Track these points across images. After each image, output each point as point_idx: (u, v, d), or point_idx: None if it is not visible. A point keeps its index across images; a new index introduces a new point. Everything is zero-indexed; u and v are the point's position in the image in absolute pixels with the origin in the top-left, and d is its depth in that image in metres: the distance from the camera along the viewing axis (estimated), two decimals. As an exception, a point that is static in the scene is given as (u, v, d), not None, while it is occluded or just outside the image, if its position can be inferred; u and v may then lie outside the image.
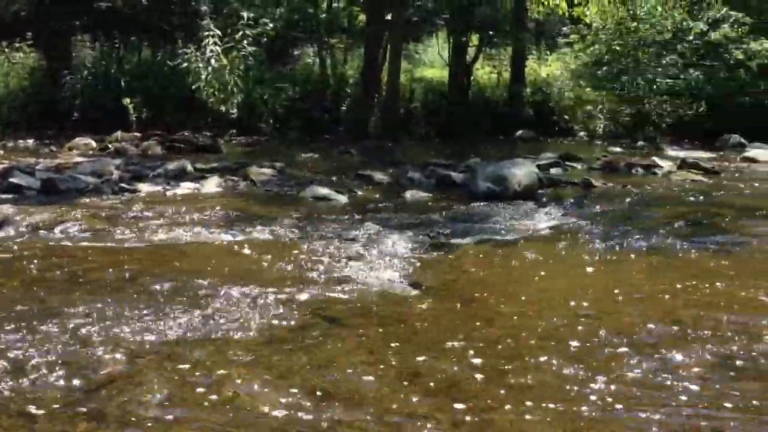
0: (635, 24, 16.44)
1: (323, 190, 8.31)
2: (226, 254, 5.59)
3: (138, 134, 13.17)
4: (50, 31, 16.26)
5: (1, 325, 3.80)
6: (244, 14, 14.98)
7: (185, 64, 14.70)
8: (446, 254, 5.73)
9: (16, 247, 5.56)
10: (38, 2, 16.73)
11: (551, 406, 3.07)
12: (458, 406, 3.06)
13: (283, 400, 3.09)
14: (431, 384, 3.27)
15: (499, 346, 3.72)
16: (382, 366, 3.47)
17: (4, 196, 7.77)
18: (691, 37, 16.53)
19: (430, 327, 4.04)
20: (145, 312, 4.08)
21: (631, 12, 16.50)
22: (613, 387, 3.25)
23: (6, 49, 15.73)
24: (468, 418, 2.96)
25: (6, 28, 17.25)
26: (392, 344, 3.76)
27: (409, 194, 8.45)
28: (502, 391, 3.21)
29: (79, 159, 10.64)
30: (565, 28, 19.23)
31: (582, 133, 16.88)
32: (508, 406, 3.06)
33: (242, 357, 3.55)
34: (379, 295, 4.59)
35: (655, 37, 16.40)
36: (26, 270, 4.91)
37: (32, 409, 2.95)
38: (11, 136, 13.15)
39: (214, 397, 3.11)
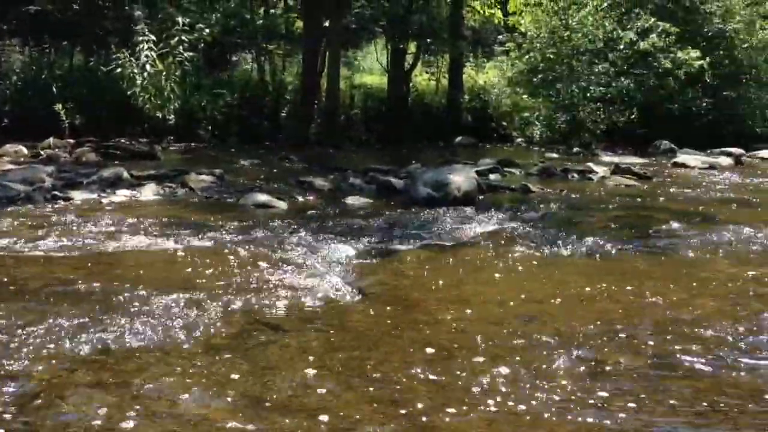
0: (568, 33, 16.87)
1: (263, 197, 8.25)
2: (164, 262, 5.49)
3: (71, 141, 12.83)
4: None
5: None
6: (180, 19, 14.76)
7: (119, 70, 14.38)
8: (388, 259, 5.76)
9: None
10: (-37, 5, 16.13)
11: (491, 408, 3.11)
12: (402, 410, 3.07)
13: (223, 409, 3.06)
14: (375, 390, 3.28)
15: (441, 350, 3.75)
16: (324, 372, 3.46)
17: (-74, 205, 7.47)
18: (621, 46, 17.06)
19: (373, 332, 4.04)
20: (79, 321, 3.97)
21: (564, 21, 16.93)
22: (550, 388, 3.33)
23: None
24: (411, 424, 2.98)
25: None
26: (335, 350, 3.75)
27: (350, 200, 8.46)
28: (446, 395, 3.24)
29: (10, 166, 10.28)
30: (501, 36, 19.59)
31: (519, 140, 17.24)
32: (450, 410, 3.09)
33: (181, 366, 3.48)
34: (321, 300, 4.57)
35: (587, 46, 16.85)
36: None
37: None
38: (-67, 144, 12.60)
39: (153, 407, 3.04)
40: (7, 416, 2.91)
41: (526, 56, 17.69)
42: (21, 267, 5.07)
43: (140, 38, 14.41)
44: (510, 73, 18.52)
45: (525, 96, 17.62)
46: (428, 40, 17.78)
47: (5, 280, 4.75)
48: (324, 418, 2.99)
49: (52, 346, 3.63)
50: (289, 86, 17.18)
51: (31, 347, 3.59)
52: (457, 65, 18.48)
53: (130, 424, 2.90)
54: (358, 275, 5.23)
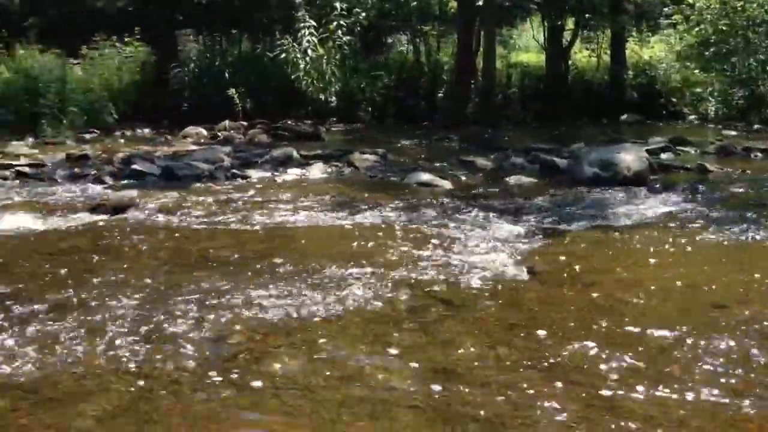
0: (742, 3, 15.62)
1: (426, 176, 8.38)
2: (338, 237, 5.75)
3: (244, 123, 13.63)
4: (155, 26, 17.00)
5: (136, 300, 4.06)
6: (338, 5, 15.18)
7: (283, 55, 15.05)
8: (556, 239, 5.69)
9: (144, 229, 5.90)
10: (144, -1, 17.51)
11: (682, 396, 3.03)
12: (585, 392, 3.05)
13: (407, 376, 3.20)
14: (555, 370, 3.28)
15: (622, 333, 3.68)
16: (501, 349, 3.51)
17: (128, 181, 8.26)
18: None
19: (547, 312, 4.04)
20: (267, 290, 4.28)
21: (736, -9, 15.70)
22: (747, 380, 3.17)
23: (117, 44, 16.53)
24: (595, 404, 2.96)
25: (113, 23, 18.15)
26: (511, 328, 3.79)
27: (512, 179, 8.39)
28: (634, 378, 3.17)
29: (193, 147, 11.12)
30: (666, 9, 18.47)
31: (692, 117, 16.22)
32: (638, 394, 3.04)
33: (363, 335, 3.67)
34: (492, 279, 4.62)
35: (765, 17, 15.52)
36: (156, 250, 5.21)
37: (175, 374, 3.16)
38: (128, 126, 13.86)
39: (339, 372, 3.24)
40: (213, 373, 3.20)
41: (696, 29, 16.57)
42: (214, 239, 5.51)
43: (302, 24, 14.97)
44: (678, 47, 17.45)
45: (696, 71, 16.54)
46: (587, 15, 17.11)
47: (200, 251, 5.18)
48: (503, 392, 3.05)
49: (246, 312, 3.93)
50: (444, 66, 17.21)
51: (229, 314, 3.91)
52: (619, 40, 17.65)
53: (317, 385, 3.10)
54: (526, 254, 5.21)
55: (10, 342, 3.42)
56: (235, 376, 3.18)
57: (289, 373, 3.21)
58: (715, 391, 3.04)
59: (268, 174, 8.91)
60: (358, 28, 16.19)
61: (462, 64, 15.89)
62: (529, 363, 3.35)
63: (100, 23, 17.26)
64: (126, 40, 16.46)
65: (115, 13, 18.89)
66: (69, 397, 2.93)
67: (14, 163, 8.99)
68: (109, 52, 15.82)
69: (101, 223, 6.14)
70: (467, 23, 16.07)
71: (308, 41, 15.02)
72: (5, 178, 8.26)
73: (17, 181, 8.24)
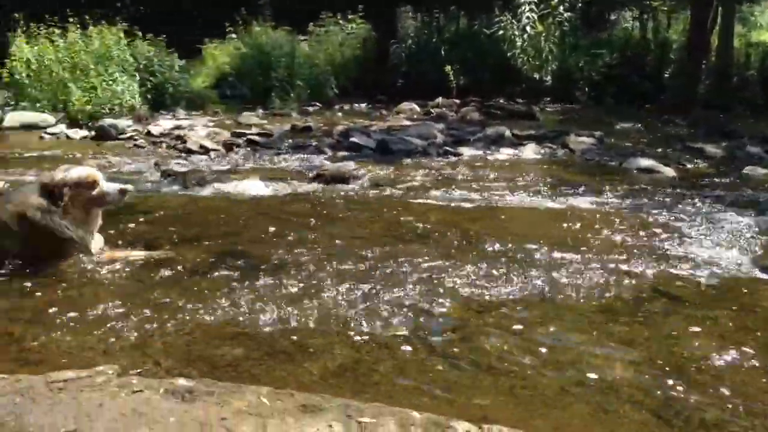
0: None
1: (647, 162, 7.91)
2: (552, 220, 5.60)
3: (457, 101, 13.72)
4: (377, 4, 17.56)
5: (352, 266, 4.24)
6: (562, -22, 14.69)
7: (501, 32, 14.87)
8: (803, 239, 5.10)
9: (359, 199, 6.16)
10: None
11: None
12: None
13: (627, 369, 3.04)
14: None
15: None
16: (732, 351, 3.22)
17: (345, 153, 8.67)
18: None
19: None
20: (479, 268, 4.27)
21: None
22: None
23: (340, 21, 17.32)
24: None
25: (339, 1, 19.00)
26: (742, 330, 3.47)
27: (747, 170, 7.67)
28: None
29: (406, 122, 11.40)
30: None
31: None
32: None
33: (580, 322, 3.54)
34: (722, 276, 4.26)
35: None
36: (370, 220, 5.41)
37: (391, 342, 3.25)
38: (346, 101, 14.54)
39: (555, 357, 3.15)
40: (426, 346, 3.25)
41: None
42: (425, 214, 5.61)
43: (522, 0, 14.67)
44: None
45: None
46: None
47: (417, 225, 5.28)
48: (733, 397, 2.82)
49: (459, 288, 3.96)
50: (673, 44, 16.06)
51: (441, 288, 3.96)
52: None
53: (532, 368, 3.05)
54: (764, 252, 4.72)
55: (244, 296, 3.71)
56: (448, 350, 3.20)
57: (503, 354, 3.18)
58: None
59: (480, 152, 8.90)
60: (580, 4, 15.58)
61: (694, 41, 14.72)
62: (765, 370, 3.05)
63: (327, 1, 18.20)
64: (349, 17, 17.21)
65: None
66: (297, 352, 3.13)
67: (246, 132, 9.79)
68: (333, 29, 16.63)
69: (320, 192, 6.50)
70: (704, -1, 14.84)
71: (527, 17, 14.72)
72: (238, 146, 9.02)
73: (248, 149, 8.97)
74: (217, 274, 4.07)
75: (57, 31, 11.81)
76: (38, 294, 3.69)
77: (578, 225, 5.36)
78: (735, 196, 6.46)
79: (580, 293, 3.92)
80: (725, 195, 6.48)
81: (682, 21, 17.25)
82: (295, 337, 3.26)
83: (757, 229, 5.29)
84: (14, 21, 12.35)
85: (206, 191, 6.45)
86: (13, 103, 11.70)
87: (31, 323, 3.33)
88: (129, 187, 4.56)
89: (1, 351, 3.03)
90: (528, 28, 14.78)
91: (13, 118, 10.65)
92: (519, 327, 3.46)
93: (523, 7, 14.76)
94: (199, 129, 9.98)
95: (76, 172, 4.23)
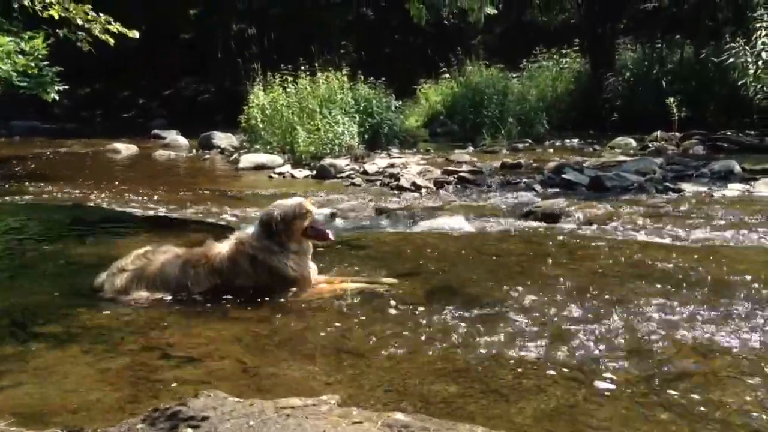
0: None
1: None
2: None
3: (678, 134, 12.96)
4: (595, 36, 17.18)
5: (569, 305, 4.14)
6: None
7: (731, 60, 13.84)
8: None
9: (573, 237, 6.01)
10: (587, 9, 17.79)
11: None
12: None
13: None
14: None
15: None
16: None
17: (557, 190, 8.53)
18: None
19: None
20: (709, 310, 3.99)
21: None
22: None
23: (555, 56, 17.16)
24: None
25: (555, 35, 18.89)
26: None
27: None
28: None
29: (622, 158, 10.97)
30: None
31: None
32: None
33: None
34: None
35: None
36: (587, 258, 5.25)
37: (609, 385, 3.13)
38: (558, 137, 14.31)
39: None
40: (654, 391, 3.08)
41: None
42: (645, 253, 5.33)
43: (757, 25, 13.55)
44: None
45: None
46: None
47: (635, 263, 5.06)
48: None
49: (689, 332, 3.71)
50: None
51: (669, 331, 3.74)
52: None
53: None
54: None
55: (459, 333, 3.77)
56: (673, 398, 3.02)
57: (737, 408, 2.94)
58: None
59: (705, 188, 8.32)
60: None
61: None
62: None
63: (541, 37, 18.22)
64: (564, 51, 17.03)
65: (557, 26, 19.74)
66: (511, 391, 3.11)
67: (457, 169, 9.99)
68: (545, 64, 16.54)
69: (532, 230, 6.45)
70: None
71: (763, 43, 13.57)
72: (448, 183, 9.22)
73: (459, 186, 9.13)
74: (432, 309, 4.18)
75: (290, 78, 12.95)
76: (265, 325, 4.00)
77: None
78: None
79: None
80: None
81: None
82: (509, 376, 3.26)
83: None
84: (253, 71, 13.76)
85: (418, 228, 6.66)
86: (247, 145, 13.00)
87: (262, 352, 3.62)
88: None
89: (236, 377, 3.32)
90: (763, 54, 13.60)
91: (248, 159, 11.80)
92: (757, 379, 3.17)
93: (759, 32, 13.64)
94: (412, 167, 10.36)
95: (289, 204, 4.55)
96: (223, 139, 14.72)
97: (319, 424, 2.65)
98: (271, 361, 3.51)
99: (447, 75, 17.13)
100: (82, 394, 3.15)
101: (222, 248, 4.56)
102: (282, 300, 4.39)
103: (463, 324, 3.90)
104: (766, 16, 13.57)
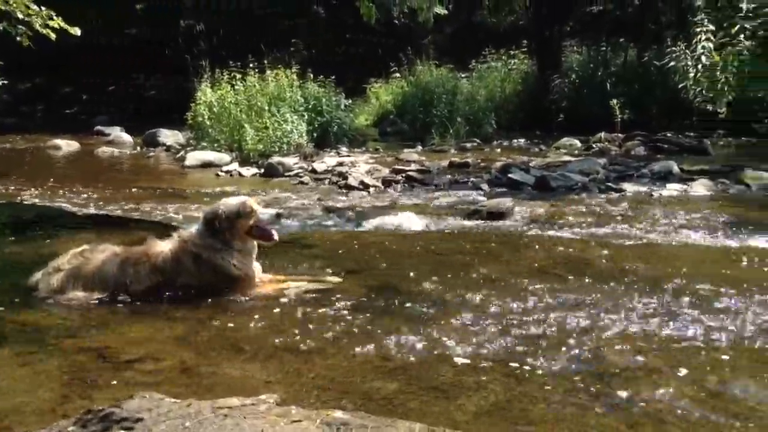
0: None
1: (838, 199, 7.21)
2: (723, 260, 5.26)
3: (620, 135, 13.26)
4: (542, 38, 17.45)
5: (510, 302, 4.20)
6: (744, 5, 13.77)
7: (672, 63, 14.23)
8: None
9: (517, 236, 6.10)
10: (535, 12, 18.08)
11: None
12: None
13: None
14: None
15: None
16: None
17: (503, 189, 8.64)
18: None
19: None
20: (643, 308, 4.09)
21: None
22: None
23: (503, 57, 17.38)
24: None
25: (504, 37, 19.14)
26: None
27: None
28: None
29: (567, 158, 11.18)
30: None
31: None
32: None
33: (754, 371, 3.29)
34: None
35: None
36: (529, 257, 5.33)
37: (547, 381, 3.18)
38: (505, 137, 14.50)
39: (728, 408, 2.95)
40: (585, 387, 3.13)
41: None
42: (585, 251, 5.45)
43: (698, 29, 13.95)
44: None
45: None
46: None
47: (575, 261, 5.16)
48: None
49: (621, 329, 3.80)
50: None
51: (603, 328, 3.82)
52: None
53: (705, 413, 2.87)
54: None
55: (402, 331, 3.78)
56: (609, 393, 3.09)
57: (670, 401, 3.01)
58: None
59: (645, 188, 8.54)
60: (763, 32, 14.54)
61: None
62: None
63: (490, 38, 18.43)
64: (512, 52, 17.26)
65: (506, 27, 20.00)
66: (451, 388, 3.13)
67: (405, 168, 10.03)
68: (494, 65, 16.75)
69: (478, 228, 6.52)
70: None
71: (703, 47, 13.96)
72: (396, 182, 9.25)
73: (406, 185, 9.17)
74: (373, 307, 4.18)
75: (238, 76, 12.82)
76: (207, 324, 3.95)
77: (755, 266, 4.99)
78: None
79: (756, 339, 3.64)
80: None
81: None
82: (450, 373, 3.28)
83: None
84: (201, 68, 13.58)
85: (365, 227, 6.67)
86: (194, 143, 12.82)
87: (202, 352, 3.57)
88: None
89: (175, 378, 3.27)
90: (703, 58, 14.01)
91: (194, 156, 11.64)
92: (686, 373, 3.27)
93: (699, 36, 14.03)
94: (360, 166, 10.38)
95: (233, 203, 4.50)
96: (169, 136, 14.49)
97: (257, 424, 2.63)
98: (212, 361, 3.47)
99: (397, 74, 17.19)
100: (13, 396, 3.06)
101: (164, 246, 4.48)
102: (225, 299, 4.34)
103: (405, 322, 3.91)
104: (706, 21, 13.98)
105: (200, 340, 3.74)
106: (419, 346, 3.58)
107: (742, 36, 13.77)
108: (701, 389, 3.11)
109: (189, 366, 3.40)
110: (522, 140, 14.20)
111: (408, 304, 4.19)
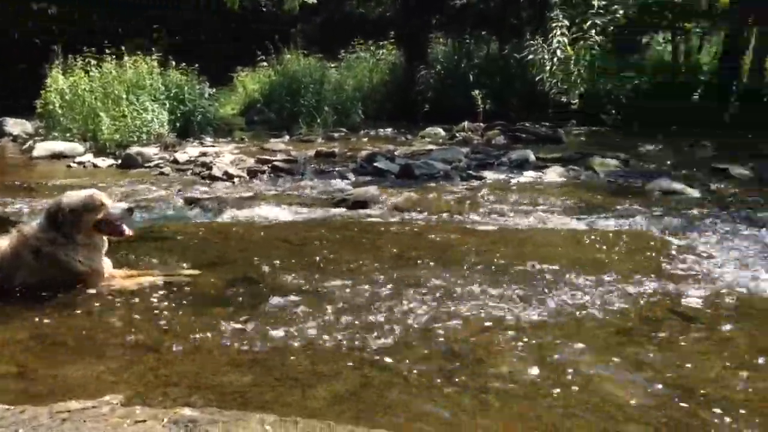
0: None
1: (672, 184, 7.82)
2: (571, 242, 5.56)
3: (482, 124, 13.72)
4: (410, 30, 17.73)
5: (368, 290, 4.24)
6: (595, 2, 14.63)
7: (531, 56, 14.88)
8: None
9: (380, 224, 6.17)
10: (402, 3, 18.34)
11: None
12: None
13: (637, 391, 3.01)
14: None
15: None
16: (747, 373, 3.16)
17: (369, 178, 8.72)
18: None
19: (809, 340, 3.56)
20: (496, 290, 4.25)
21: None
22: None
23: (372, 48, 17.53)
24: None
25: (373, 27, 19.28)
26: (759, 353, 3.39)
27: (775, 190, 7.53)
28: None
29: (431, 147, 11.43)
30: None
31: None
32: None
33: (593, 343, 3.51)
34: (743, 297, 4.19)
35: None
36: (391, 244, 5.40)
37: (400, 367, 3.24)
38: (373, 126, 14.63)
39: (565, 379, 3.12)
40: (436, 369, 3.23)
41: None
42: (446, 237, 5.60)
43: (554, 24, 14.66)
44: None
45: None
46: None
47: (431, 247, 5.29)
48: (747, 419, 2.77)
49: (473, 310, 3.94)
50: (704, 67, 15.91)
51: (456, 310, 3.94)
52: None
53: (536, 390, 3.02)
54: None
55: (257, 322, 3.73)
56: (460, 374, 3.18)
57: (513, 376, 3.16)
58: None
59: (504, 176, 8.88)
60: (612, 28, 15.50)
61: (725, 64, 14.59)
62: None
63: (359, 28, 18.51)
64: (380, 43, 17.43)
65: (374, 18, 20.15)
66: (306, 377, 3.13)
67: (271, 158, 9.90)
68: (363, 56, 16.85)
69: (342, 217, 6.54)
70: (741, 20, 14.69)
71: (558, 41, 14.69)
72: (262, 172, 9.11)
73: (272, 175, 9.06)
74: (230, 300, 4.10)
75: (93, 62, 12.15)
76: (48, 324, 3.73)
77: (599, 246, 5.32)
78: (761, 216, 6.34)
79: (597, 315, 3.88)
80: (749, 215, 6.37)
81: (715, 44, 17.09)
82: (305, 363, 3.27)
83: (782, 249, 5.19)
84: (53, 53, 12.74)
85: (227, 218, 6.53)
86: (44, 132, 12.04)
87: (42, 354, 3.37)
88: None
89: (10, 383, 3.07)
90: (558, 52, 14.75)
91: (43, 147, 10.94)
92: (532, 350, 3.43)
93: (554, 31, 14.75)
94: (225, 156, 10.13)
95: (79, 196, 4.26)
96: (15, 125, 13.53)
97: (99, 427, 2.50)
98: (53, 363, 3.27)
99: (265, 63, 16.93)
100: None
101: (1, 242, 4.18)
102: (71, 296, 4.11)
103: (262, 313, 3.87)
104: (561, 16, 14.72)
105: (41, 340, 3.52)
106: (276, 336, 3.55)
107: (593, 31, 14.65)
108: (545, 364, 3.27)
109: (27, 370, 3.19)
110: (389, 130, 14.39)
111: (267, 296, 4.14)
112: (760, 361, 3.30)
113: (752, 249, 5.24)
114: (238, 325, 3.68)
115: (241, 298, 4.11)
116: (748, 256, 5.04)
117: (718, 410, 2.83)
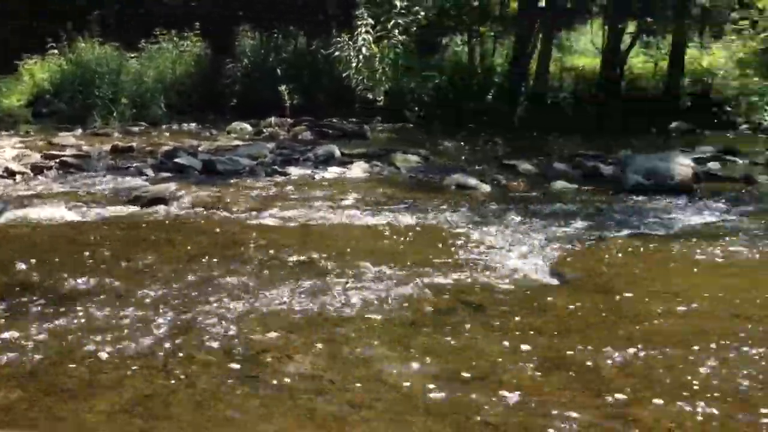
0: (814, 8, 14.96)
1: (467, 179, 8.27)
2: (371, 236, 5.72)
3: (289, 120, 13.70)
4: (215, 21, 17.27)
5: (161, 292, 4.09)
6: (398, 3, 15.10)
7: (337, 53, 15.08)
8: (592, 246, 5.56)
9: (177, 222, 5.97)
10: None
11: (701, 403, 2.91)
12: (600, 399, 2.99)
13: (425, 379, 3.15)
14: (572, 376, 3.20)
15: (643, 344, 3.55)
16: (522, 354, 3.43)
17: (169, 174, 8.38)
18: None
19: (571, 319, 3.96)
20: (296, 287, 4.27)
21: (810, -6, 15.04)
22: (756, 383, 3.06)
23: (175, 38, 16.84)
24: (609, 413, 2.87)
25: (174, 17, 18.53)
26: (533, 333, 3.71)
27: (555, 185, 8.23)
28: (653, 387, 3.08)
29: (237, 142, 11.22)
30: (733, 14, 17.82)
31: (744, 126, 15.62)
32: (653, 403, 2.93)
33: (386, 336, 3.63)
34: (523, 283, 4.56)
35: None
36: (187, 243, 5.25)
37: (194, 370, 3.16)
38: (176, 120, 14.09)
39: (360, 372, 3.21)
40: (232, 371, 3.19)
41: (763, 34, 15.95)
42: (246, 235, 5.53)
43: (359, 22, 14.94)
44: (742, 54, 16.82)
45: (756, 78, 15.92)
46: (649, 19, 16.64)
47: (231, 245, 5.20)
48: (515, 396, 3.00)
49: (272, 309, 3.93)
50: (497, 69, 17.00)
51: (255, 309, 3.91)
52: (679, 46, 17.12)
53: (338, 385, 3.09)
54: (560, 260, 5.11)
55: (29, 332, 3.46)
56: (251, 374, 3.16)
57: (308, 373, 3.19)
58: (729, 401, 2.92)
59: (308, 171, 8.91)
60: (415, 28, 16.09)
61: (515, 66, 15.70)
62: (550, 368, 3.28)
63: (161, 18, 17.69)
64: (185, 34, 16.79)
65: (178, 8, 19.36)
66: (82, 389, 2.95)
67: (60, 153, 9.19)
68: (166, 46, 16.15)
69: (136, 215, 6.24)
70: (527, 25, 15.86)
71: (363, 39, 14.99)
72: (49, 168, 8.43)
73: (61, 171, 8.41)
74: (6, 309, 3.76)
75: None
76: None
77: (395, 240, 5.51)
78: (541, 209, 6.88)
79: (390, 307, 4.02)
80: (533, 208, 6.90)
81: (507, 47, 18.29)
82: (81, 373, 3.08)
83: (557, 238, 5.69)
84: None
85: (6, 219, 5.98)
86: None
87: None
88: None
89: None
90: (363, 50, 15.05)
91: None
92: (327, 345, 3.48)
93: (360, 29, 15.03)
94: (7, 150, 9.27)
95: None
96: None
97: None
98: None
99: (56, 51, 15.68)
100: None
101: None
102: None
103: (36, 321, 3.60)
104: (366, 14, 15.04)
105: None
106: (51, 345, 3.31)
107: (396, 31, 15.13)
108: (338, 359, 3.34)
109: None
110: (193, 124, 13.91)
111: (44, 303, 3.85)
112: (533, 342, 3.59)
113: (535, 239, 5.67)
114: (7, 336, 3.39)
115: (16, 307, 3.79)
116: (530, 246, 5.46)
117: (495, 394, 3.03)
